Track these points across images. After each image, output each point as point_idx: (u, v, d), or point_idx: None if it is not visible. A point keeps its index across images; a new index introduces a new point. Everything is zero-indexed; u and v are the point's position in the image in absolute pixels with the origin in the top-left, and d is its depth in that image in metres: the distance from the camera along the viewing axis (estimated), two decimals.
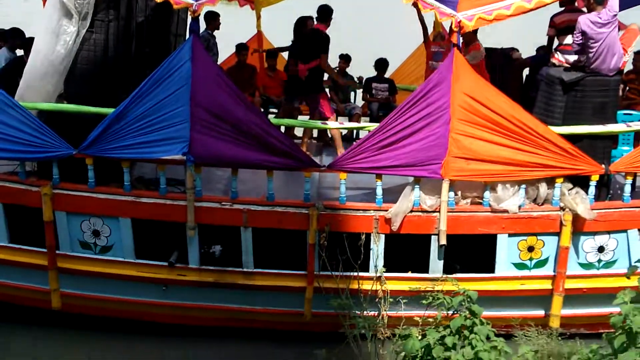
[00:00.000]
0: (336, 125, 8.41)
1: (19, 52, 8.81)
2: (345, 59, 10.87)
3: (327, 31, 8.86)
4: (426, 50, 9.53)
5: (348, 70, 10.90)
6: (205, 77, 6.56)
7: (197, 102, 6.58)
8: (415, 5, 6.62)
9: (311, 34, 8.95)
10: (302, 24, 9.37)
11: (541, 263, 7.15)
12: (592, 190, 7.00)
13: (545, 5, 6.52)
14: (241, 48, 10.52)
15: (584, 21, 6.89)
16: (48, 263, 7.21)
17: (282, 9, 11.44)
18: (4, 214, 7.24)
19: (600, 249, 7.16)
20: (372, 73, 10.66)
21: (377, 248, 7.05)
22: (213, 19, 10.09)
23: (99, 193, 7.06)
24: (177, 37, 8.45)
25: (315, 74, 8.90)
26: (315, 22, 8.99)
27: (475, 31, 7.95)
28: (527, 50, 9.66)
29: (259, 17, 11.11)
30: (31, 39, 7.58)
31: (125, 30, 7.25)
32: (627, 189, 7.05)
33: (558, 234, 7.01)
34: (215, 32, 10.22)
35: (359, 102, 10.81)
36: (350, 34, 9.56)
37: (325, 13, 8.94)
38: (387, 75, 10.74)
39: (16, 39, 8.96)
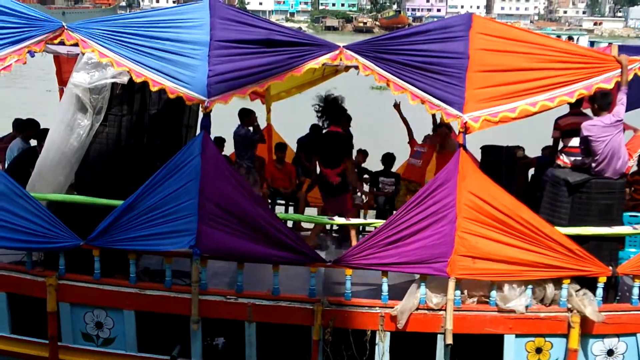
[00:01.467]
0: (343, 221, 8.43)
1: (33, 143, 8.98)
2: (363, 153, 11.01)
3: None
4: (410, 149, 10.09)
5: (364, 164, 11.03)
6: (214, 172, 6.66)
7: (205, 196, 6.66)
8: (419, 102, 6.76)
9: (334, 139, 8.80)
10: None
11: None
12: (599, 292, 6.94)
13: (549, 109, 6.66)
14: (280, 148, 10.66)
15: (585, 126, 7.04)
16: (49, 355, 7.14)
17: (292, 103, 11.71)
18: (7, 303, 7.21)
19: (610, 353, 7.04)
20: (379, 167, 10.79)
21: (383, 345, 6.96)
22: (247, 116, 9.97)
23: (104, 284, 7.05)
24: (188, 129, 8.61)
25: (343, 177, 8.81)
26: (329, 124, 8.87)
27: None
28: (531, 149, 9.78)
29: (269, 111, 11.35)
30: (45, 130, 7.77)
31: (137, 124, 7.43)
32: (636, 291, 6.99)
33: (566, 336, 6.91)
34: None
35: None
36: (357, 128, 9.71)
37: (336, 114, 8.86)
38: (393, 169, 10.86)
39: (31, 129, 9.16)
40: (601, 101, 7.11)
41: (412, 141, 10.19)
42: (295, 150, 11.05)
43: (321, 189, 9.13)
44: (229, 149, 10.58)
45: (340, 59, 6.67)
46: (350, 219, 8.04)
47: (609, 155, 6.93)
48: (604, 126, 6.95)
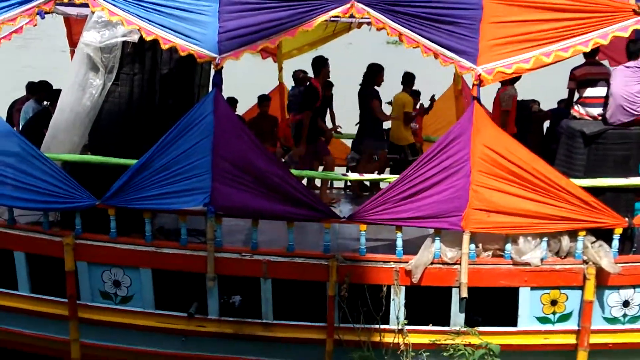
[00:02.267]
0: (356, 177, 8.44)
1: (46, 104, 9.00)
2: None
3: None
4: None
5: None
6: (227, 129, 6.65)
7: (219, 154, 6.66)
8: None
9: (304, 90, 9.28)
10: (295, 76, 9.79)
11: (565, 317, 7.04)
12: (615, 243, 6.90)
13: (564, 59, 6.55)
14: (263, 99, 10.66)
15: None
16: (69, 313, 7.23)
17: (304, 61, 11.60)
18: (26, 263, 7.30)
19: (626, 304, 7.03)
20: None
21: (398, 300, 6.99)
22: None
23: (120, 243, 7.11)
24: (200, 88, 8.57)
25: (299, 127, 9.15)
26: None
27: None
28: (546, 103, 9.69)
29: (280, 69, 11.28)
30: (58, 91, 7.77)
31: (149, 83, 7.40)
32: None
33: (582, 288, 6.90)
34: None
35: None
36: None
37: (315, 65, 9.21)
38: None
39: (43, 91, 9.17)
40: (631, 49, 7.14)
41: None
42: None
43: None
44: (241, 109, 10.58)
45: (352, 13, 6.56)
46: (364, 174, 8.03)
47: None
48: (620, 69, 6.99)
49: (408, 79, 10.43)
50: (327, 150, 9.64)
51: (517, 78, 8.75)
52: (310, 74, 9.64)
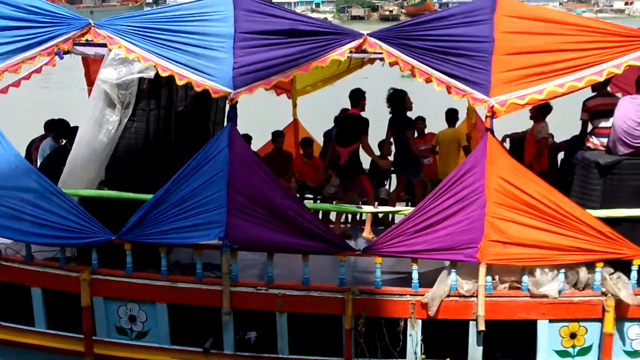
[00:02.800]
0: (371, 209, 8.43)
1: (64, 142, 9.10)
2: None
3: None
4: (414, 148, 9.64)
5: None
6: (242, 163, 6.70)
7: (234, 188, 6.70)
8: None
9: (347, 119, 9.11)
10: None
11: (585, 351, 6.94)
12: (634, 274, 6.83)
13: (577, 90, 6.57)
14: (277, 135, 10.73)
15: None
16: (85, 349, 7.24)
17: (318, 98, 11.71)
18: (43, 299, 7.33)
19: None
20: None
21: (415, 334, 6.94)
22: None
23: (136, 278, 7.13)
24: (215, 125, 8.65)
25: (354, 157, 8.97)
26: (350, 108, 9.15)
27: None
28: (559, 134, 9.69)
29: (295, 105, 11.37)
30: (75, 128, 7.87)
31: (165, 119, 7.49)
32: None
33: (601, 320, 6.82)
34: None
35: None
36: (378, 116, 9.66)
37: (355, 97, 9.10)
38: None
39: (61, 129, 9.29)
40: None
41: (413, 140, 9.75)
42: (322, 144, 11.03)
43: (337, 173, 9.21)
44: (255, 145, 10.63)
45: (365, 47, 6.64)
46: (378, 206, 8.02)
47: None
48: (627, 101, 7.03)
49: (453, 115, 10.34)
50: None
51: (549, 112, 8.86)
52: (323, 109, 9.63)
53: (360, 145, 8.87)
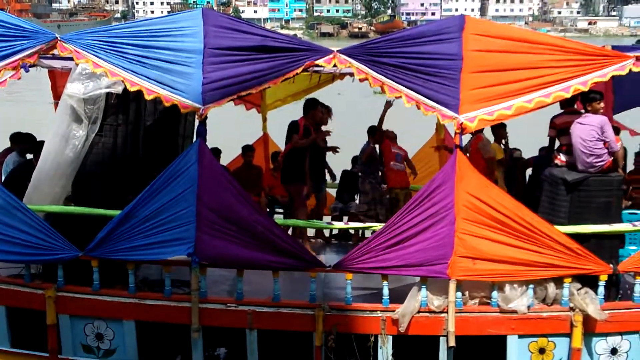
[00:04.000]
0: (341, 225, 8.43)
1: (29, 157, 8.95)
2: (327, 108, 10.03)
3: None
4: (385, 152, 9.62)
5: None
6: (211, 179, 6.65)
7: (203, 203, 6.65)
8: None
9: (289, 127, 9.06)
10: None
11: None
12: (601, 290, 6.91)
13: (545, 106, 6.64)
14: (247, 150, 10.68)
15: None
16: None
17: (288, 112, 11.67)
18: (7, 317, 7.18)
19: (614, 351, 7.01)
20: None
21: (386, 350, 6.92)
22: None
23: (103, 295, 7.02)
24: (185, 139, 8.61)
25: (288, 162, 8.97)
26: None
27: None
28: (528, 150, 9.79)
29: (264, 120, 11.35)
30: (41, 143, 7.75)
31: (133, 134, 7.43)
32: (637, 288, 6.96)
33: (569, 335, 6.88)
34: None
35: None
36: (349, 134, 9.65)
37: (305, 106, 9.13)
38: None
39: (26, 143, 9.13)
40: (585, 98, 7.30)
41: (384, 144, 9.67)
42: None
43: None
44: (225, 159, 10.58)
45: (334, 64, 6.65)
46: (349, 223, 8.01)
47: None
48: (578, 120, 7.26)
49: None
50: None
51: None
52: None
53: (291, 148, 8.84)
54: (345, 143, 9.71)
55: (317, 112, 9.12)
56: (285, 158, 9.05)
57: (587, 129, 7.17)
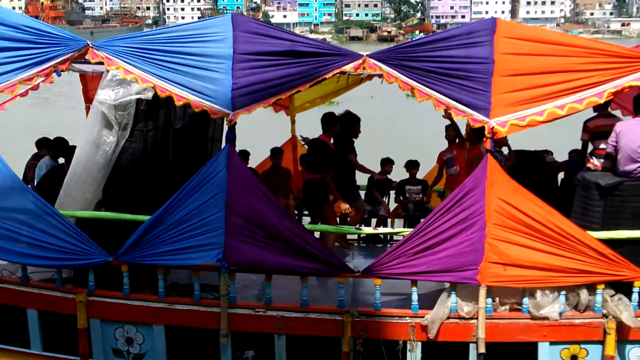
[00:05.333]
0: (370, 230, 8.40)
1: (61, 161, 9.07)
2: (390, 162, 10.73)
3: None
4: (439, 159, 9.81)
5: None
6: (240, 185, 6.66)
7: (232, 209, 6.66)
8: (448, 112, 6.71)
9: (314, 145, 9.12)
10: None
11: None
12: (635, 296, 6.79)
13: (577, 112, 6.54)
14: (276, 152, 10.70)
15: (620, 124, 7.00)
16: None
17: (317, 114, 11.68)
18: (38, 321, 7.26)
19: None
20: (405, 175, 10.71)
21: (415, 356, 6.87)
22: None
23: (133, 300, 7.07)
24: (213, 142, 8.65)
25: (316, 185, 8.93)
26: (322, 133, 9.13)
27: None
28: (560, 153, 9.66)
29: (293, 122, 11.36)
30: (73, 148, 7.84)
31: (163, 139, 7.47)
32: None
33: (602, 343, 6.77)
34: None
35: (392, 204, 10.80)
36: (382, 135, 9.61)
37: (326, 122, 9.09)
38: (420, 176, 10.76)
39: (59, 148, 9.26)
40: None
41: (440, 153, 9.94)
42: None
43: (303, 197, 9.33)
44: (253, 161, 10.62)
45: (364, 68, 6.63)
46: (378, 228, 7.97)
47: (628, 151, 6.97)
48: (634, 125, 6.97)
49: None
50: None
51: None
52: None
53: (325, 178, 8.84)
54: (377, 146, 9.67)
55: (336, 126, 9.13)
56: (312, 183, 9.00)
57: None
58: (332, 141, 9.13)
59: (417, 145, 9.84)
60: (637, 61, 6.46)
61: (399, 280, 7.04)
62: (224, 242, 6.69)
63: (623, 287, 6.81)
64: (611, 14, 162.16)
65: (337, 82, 10.09)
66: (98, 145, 7.18)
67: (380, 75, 6.84)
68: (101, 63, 6.77)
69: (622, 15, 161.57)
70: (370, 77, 9.51)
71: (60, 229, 6.88)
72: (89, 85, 10.24)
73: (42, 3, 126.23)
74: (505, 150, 8.67)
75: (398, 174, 10.94)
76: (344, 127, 9.40)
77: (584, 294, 6.80)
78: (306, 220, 10.29)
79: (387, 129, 9.53)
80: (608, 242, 6.68)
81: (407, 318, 6.88)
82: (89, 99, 10.08)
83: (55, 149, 9.34)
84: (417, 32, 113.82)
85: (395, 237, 9.38)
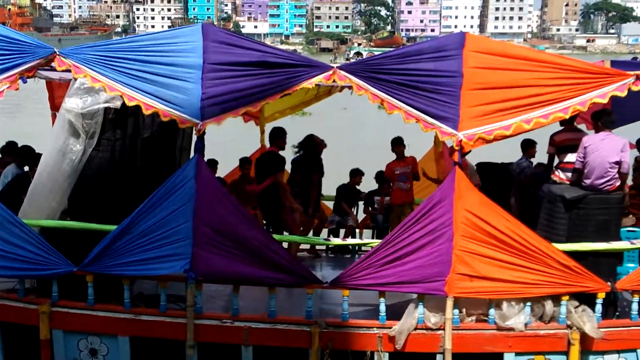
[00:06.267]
0: (338, 241, 8.40)
1: (26, 169, 8.91)
2: (359, 174, 10.75)
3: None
4: (389, 172, 9.85)
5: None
6: (208, 195, 6.62)
7: (200, 219, 6.61)
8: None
9: (261, 157, 9.29)
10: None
11: None
12: (598, 308, 6.88)
13: (543, 126, 6.64)
14: (245, 162, 10.66)
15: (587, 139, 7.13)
16: None
17: (285, 124, 11.67)
18: (0, 332, 7.11)
19: None
20: (374, 186, 10.75)
21: None
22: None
23: (98, 311, 6.97)
24: (182, 151, 8.58)
25: (268, 194, 8.99)
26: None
27: None
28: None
29: (262, 132, 11.32)
30: (39, 155, 7.71)
31: (131, 148, 7.40)
32: (635, 307, 6.94)
33: (566, 353, 6.85)
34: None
35: (360, 215, 10.83)
36: (350, 148, 9.66)
37: (272, 136, 9.29)
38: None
39: (25, 155, 9.09)
40: (606, 119, 7.24)
41: (390, 164, 9.93)
42: (289, 172, 10.99)
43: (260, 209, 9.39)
44: (222, 171, 10.57)
45: (334, 80, 6.65)
46: (347, 239, 7.97)
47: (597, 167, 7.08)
48: (601, 140, 7.09)
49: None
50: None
51: None
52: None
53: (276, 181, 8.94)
54: (351, 157, 9.72)
55: (283, 140, 9.31)
56: (264, 193, 9.03)
57: (612, 150, 7.13)
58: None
59: (390, 157, 9.86)
60: (601, 77, 6.60)
61: (367, 291, 7.06)
62: (192, 252, 6.64)
63: (587, 299, 6.89)
64: (577, 30, 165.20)
65: (306, 93, 10.11)
66: (64, 153, 7.08)
67: (350, 87, 6.86)
68: (68, 71, 6.70)
69: (588, 31, 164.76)
70: (340, 88, 9.54)
71: (23, 238, 6.77)
72: (56, 92, 10.08)
73: (10, 9, 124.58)
74: None
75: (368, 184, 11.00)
76: (306, 150, 9.62)
77: (549, 305, 6.89)
78: (273, 234, 10.24)
79: (361, 140, 9.57)
80: (573, 254, 6.78)
81: (375, 329, 6.89)
82: (55, 106, 9.94)
83: (20, 157, 9.17)
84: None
85: (363, 248, 9.42)
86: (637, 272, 6.94)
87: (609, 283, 6.84)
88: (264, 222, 10.11)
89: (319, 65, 6.70)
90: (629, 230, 7.82)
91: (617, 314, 7.23)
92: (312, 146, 9.70)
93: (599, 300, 6.88)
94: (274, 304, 6.93)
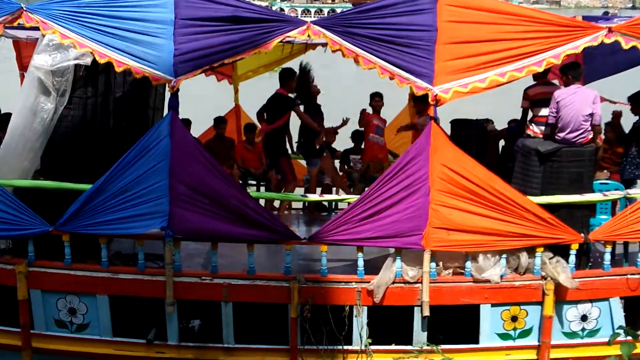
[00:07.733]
0: (316, 197, 8.41)
1: None
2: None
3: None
4: (367, 122, 9.96)
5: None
6: (183, 152, 6.57)
7: (176, 177, 6.57)
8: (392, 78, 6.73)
9: (272, 98, 9.27)
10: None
11: (525, 333, 7.10)
12: (572, 259, 7.01)
13: (518, 79, 6.65)
14: (219, 121, 10.59)
15: (559, 93, 7.13)
16: (22, 343, 7.02)
17: (260, 83, 11.59)
18: None
19: (584, 318, 7.13)
20: (349, 144, 10.74)
21: (361, 320, 6.96)
22: (289, 79, 9.34)
23: (75, 270, 6.94)
24: (155, 111, 8.49)
25: (275, 136, 9.16)
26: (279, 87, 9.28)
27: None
28: (500, 122, 9.83)
29: (236, 91, 11.24)
30: (8, 115, 7.56)
31: (103, 106, 7.29)
32: (607, 257, 7.08)
33: (541, 304, 6.98)
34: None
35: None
36: (331, 105, 9.63)
37: (283, 76, 9.26)
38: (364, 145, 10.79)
39: None
40: (574, 72, 7.27)
41: (365, 114, 10.01)
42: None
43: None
44: (196, 131, 10.47)
45: (308, 35, 6.57)
46: (324, 195, 8.00)
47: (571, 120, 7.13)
48: (572, 93, 7.09)
49: None
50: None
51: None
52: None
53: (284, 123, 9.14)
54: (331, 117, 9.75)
55: (293, 82, 9.26)
56: (273, 133, 9.12)
57: (584, 103, 7.17)
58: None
59: (353, 109, 9.91)
60: (574, 30, 6.61)
61: (345, 247, 7.10)
62: (169, 210, 6.61)
63: (561, 250, 7.02)
64: None
65: (281, 51, 10.00)
66: (35, 112, 6.94)
67: (324, 44, 6.79)
68: (36, 28, 6.53)
69: None
70: (314, 45, 9.45)
71: None
72: (23, 52, 9.86)
73: None
74: None
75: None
76: (304, 100, 9.59)
77: (523, 257, 7.00)
78: (251, 190, 10.25)
79: (338, 100, 9.49)
80: (547, 207, 6.87)
81: (354, 283, 6.96)
82: (23, 66, 9.74)
83: None
84: None
85: (340, 205, 9.45)
86: (609, 223, 7.06)
87: (582, 234, 6.96)
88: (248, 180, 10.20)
89: (292, 20, 6.62)
90: (601, 183, 7.98)
91: (590, 264, 7.38)
92: (309, 96, 9.71)
93: (573, 252, 7.00)
94: (253, 260, 6.95)
